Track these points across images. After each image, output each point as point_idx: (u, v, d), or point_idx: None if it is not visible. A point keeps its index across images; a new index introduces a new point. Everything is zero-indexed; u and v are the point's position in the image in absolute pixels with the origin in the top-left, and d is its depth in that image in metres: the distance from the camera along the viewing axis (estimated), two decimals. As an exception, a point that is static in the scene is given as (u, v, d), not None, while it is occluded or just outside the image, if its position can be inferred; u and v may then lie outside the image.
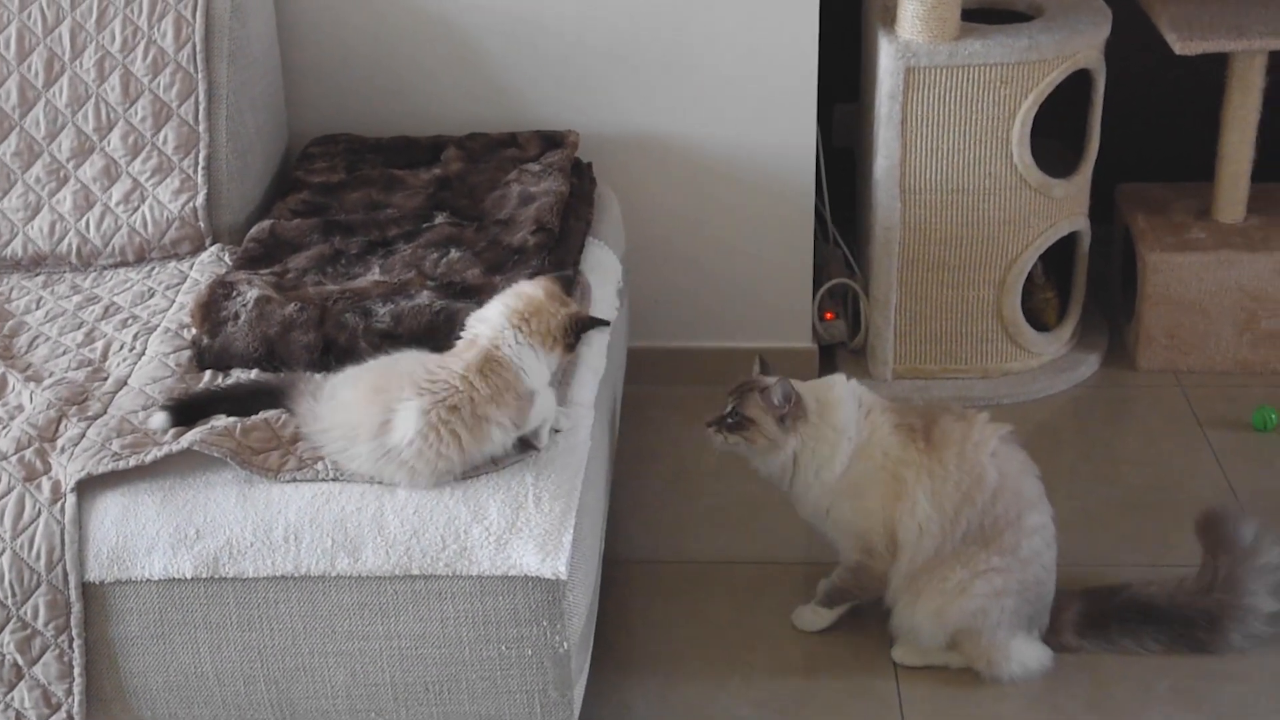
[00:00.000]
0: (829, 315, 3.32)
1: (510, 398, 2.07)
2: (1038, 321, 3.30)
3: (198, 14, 2.66)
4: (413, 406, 2.04)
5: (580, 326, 2.16)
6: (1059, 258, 3.28)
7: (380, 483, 2.08)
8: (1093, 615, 2.48)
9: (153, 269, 2.65)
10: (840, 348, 3.36)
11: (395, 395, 2.05)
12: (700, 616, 2.63)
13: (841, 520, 2.42)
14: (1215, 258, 3.19)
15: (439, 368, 2.08)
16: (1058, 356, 3.32)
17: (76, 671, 2.10)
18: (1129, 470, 2.98)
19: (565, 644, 2.09)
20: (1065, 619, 2.47)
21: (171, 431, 2.14)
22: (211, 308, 2.37)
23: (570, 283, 2.28)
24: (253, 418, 2.16)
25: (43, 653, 2.09)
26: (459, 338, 2.16)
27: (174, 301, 2.52)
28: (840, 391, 2.43)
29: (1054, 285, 3.32)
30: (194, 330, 2.37)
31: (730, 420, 2.39)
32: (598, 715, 2.37)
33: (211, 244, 2.68)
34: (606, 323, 2.20)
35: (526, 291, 2.17)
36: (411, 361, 2.11)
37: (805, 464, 2.40)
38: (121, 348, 2.40)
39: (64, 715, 2.12)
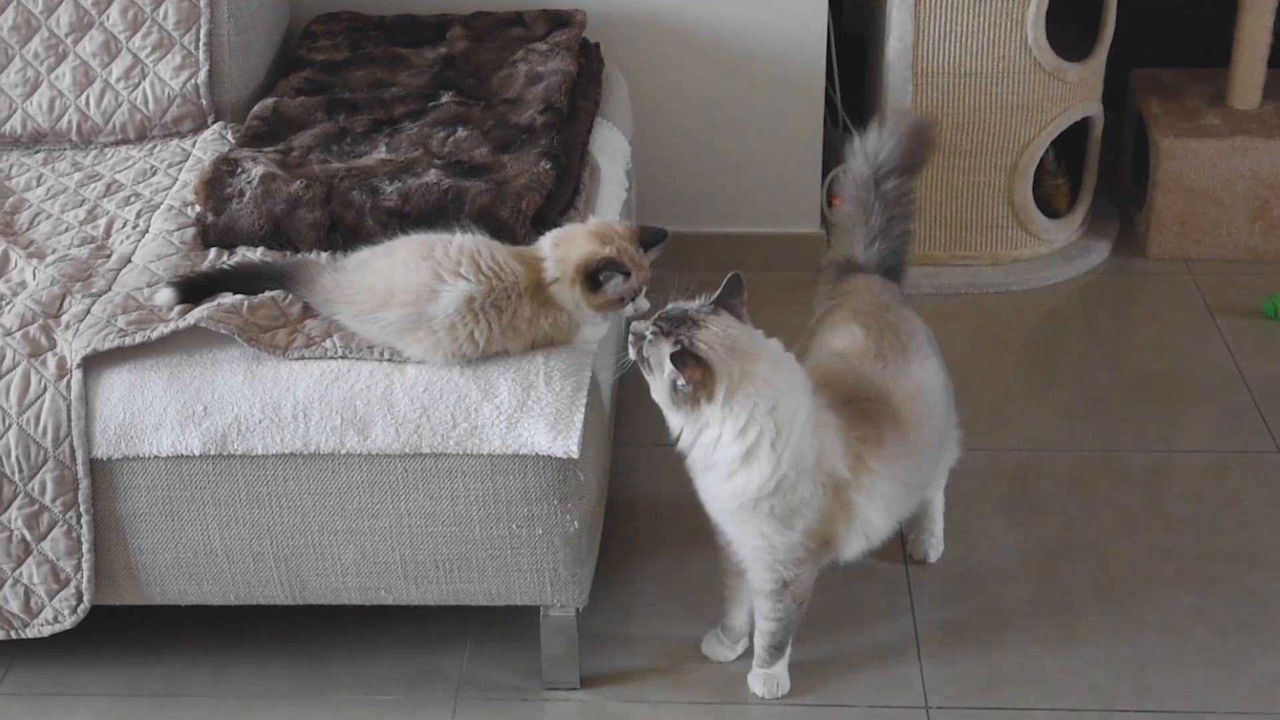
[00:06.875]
0: (836, 201, 3.28)
1: (546, 323, 2.08)
2: (1048, 208, 3.26)
3: (197, -116, 2.60)
4: (466, 287, 2.02)
5: (593, 269, 2.06)
6: (1070, 144, 3.24)
7: (390, 358, 2.06)
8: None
9: (154, 147, 2.61)
10: (848, 234, 3.33)
11: (450, 268, 2.03)
12: (708, 500, 2.62)
13: None
14: (1229, 144, 3.15)
15: (505, 266, 2.06)
16: (1068, 243, 3.29)
17: (85, 547, 2.10)
18: (1138, 356, 2.96)
19: (576, 523, 2.08)
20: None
21: (178, 308, 2.11)
22: (216, 184, 2.33)
23: (660, 237, 2.17)
24: (259, 296, 2.14)
25: (51, 528, 2.08)
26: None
27: (177, 179, 2.49)
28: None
29: (1065, 171, 3.28)
30: (198, 207, 2.34)
31: None
32: (606, 594, 2.38)
33: (214, 122, 2.64)
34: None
35: (576, 228, 2.15)
36: (477, 244, 2.08)
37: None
38: (125, 225, 2.37)
39: (73, 591, 2.12)
